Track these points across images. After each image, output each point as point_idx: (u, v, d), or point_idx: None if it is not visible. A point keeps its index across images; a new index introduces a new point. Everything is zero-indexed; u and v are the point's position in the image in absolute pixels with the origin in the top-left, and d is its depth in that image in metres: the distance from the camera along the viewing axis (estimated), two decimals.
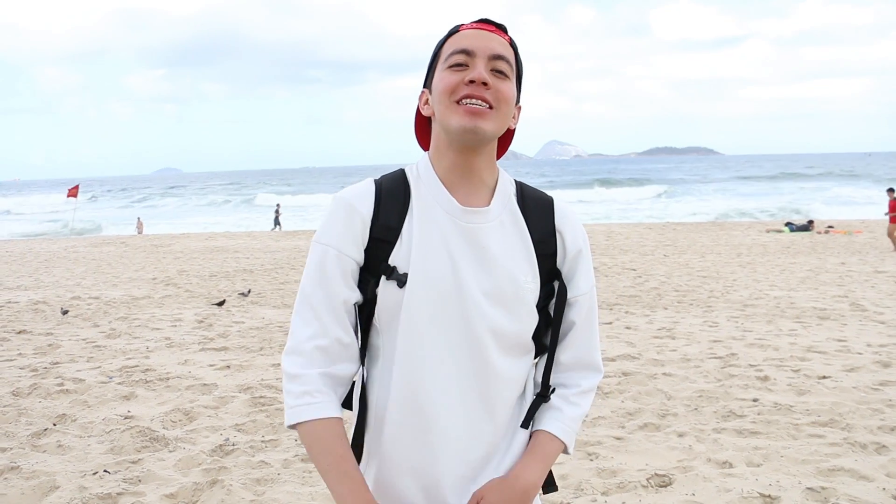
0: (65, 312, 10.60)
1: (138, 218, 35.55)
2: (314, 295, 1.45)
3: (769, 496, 3.89)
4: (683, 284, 12.30)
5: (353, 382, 1.54)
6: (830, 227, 23.40)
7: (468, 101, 1.42)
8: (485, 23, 1.50)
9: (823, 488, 3.97)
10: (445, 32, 1.53)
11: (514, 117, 1.53)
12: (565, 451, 1.56)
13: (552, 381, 1.58)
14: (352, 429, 1.54)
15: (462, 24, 1.51)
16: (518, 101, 1.53)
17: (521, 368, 1.53)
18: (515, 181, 1.58)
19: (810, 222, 23.50)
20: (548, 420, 1.55)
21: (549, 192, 1.61)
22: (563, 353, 1.58)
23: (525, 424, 1.54)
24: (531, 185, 1.61)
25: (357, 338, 1.51)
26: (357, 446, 1.53)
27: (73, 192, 31.95)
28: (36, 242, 27.01)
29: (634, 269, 14.44)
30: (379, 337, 1.50)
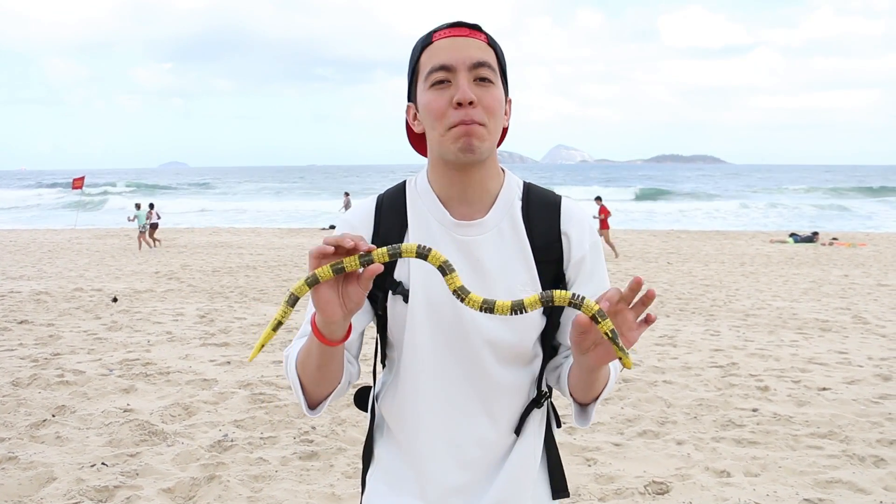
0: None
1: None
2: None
3: None
4: (686, 292, 12.28)
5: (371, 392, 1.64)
6: (835, 238, 23.35)
7: (460, 127, 1.39)
8: (457, 26, 1.44)
9: (821, 500, 3.96)
10: (418, 41, 1.47)
11: (505, 114, 1.48)
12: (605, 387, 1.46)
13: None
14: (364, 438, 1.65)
15: (434, 33, 1.45)
16: (507, 95, 1.48)
17: (524, 376, 1.51)
18: (524, 183, 1.56)
19: (815, 234, 23.46)
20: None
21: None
22: None
23: (517, 431, 1.51)
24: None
25: (377, 353, 1.63)
26: (368, 453, 1.61)
27: (78, 184, 31.08)
28: (40, 233, 27.04)
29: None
30: (392, 350, 1.56)
